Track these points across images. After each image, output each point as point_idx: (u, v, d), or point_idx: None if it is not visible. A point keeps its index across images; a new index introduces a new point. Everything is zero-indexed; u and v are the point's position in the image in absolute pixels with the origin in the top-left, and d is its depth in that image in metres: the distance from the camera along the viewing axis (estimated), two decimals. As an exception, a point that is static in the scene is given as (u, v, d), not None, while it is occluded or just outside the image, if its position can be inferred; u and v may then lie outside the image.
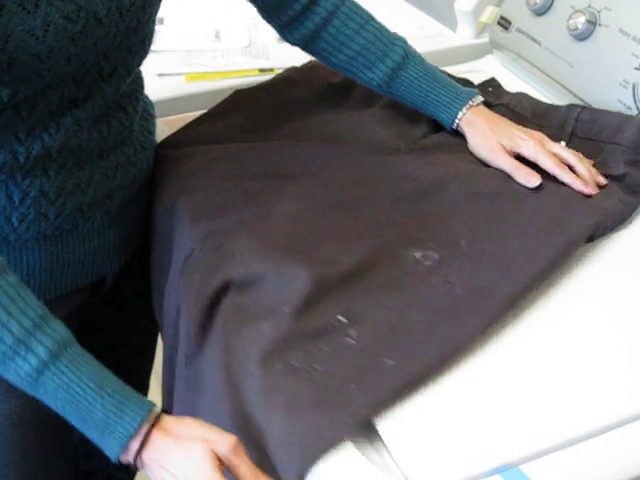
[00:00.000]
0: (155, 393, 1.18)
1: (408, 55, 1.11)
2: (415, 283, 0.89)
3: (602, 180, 1.04)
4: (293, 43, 1.14)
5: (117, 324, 1.25)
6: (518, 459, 0.74)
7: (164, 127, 1.17)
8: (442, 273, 0.90)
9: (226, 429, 0.79)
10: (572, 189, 1.02)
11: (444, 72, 1.17)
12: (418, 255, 0.93)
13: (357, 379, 0.78)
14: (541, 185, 1.03)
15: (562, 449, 0.75)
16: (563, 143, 1.10)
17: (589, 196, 1.01)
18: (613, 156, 1.08)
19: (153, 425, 0.78)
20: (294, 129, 1.16)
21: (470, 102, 1.11)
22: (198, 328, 0.91)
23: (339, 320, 0.84)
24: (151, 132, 1.09)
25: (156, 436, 0.78)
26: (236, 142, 1.13)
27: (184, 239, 1.00)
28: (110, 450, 0.78)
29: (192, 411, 0.94)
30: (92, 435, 0.79)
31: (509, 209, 1.00)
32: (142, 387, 1.38)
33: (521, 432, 0.76)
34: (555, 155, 1.05)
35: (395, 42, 1.11)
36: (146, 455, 0.78)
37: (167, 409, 0.83)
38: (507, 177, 1.05)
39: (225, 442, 0.77)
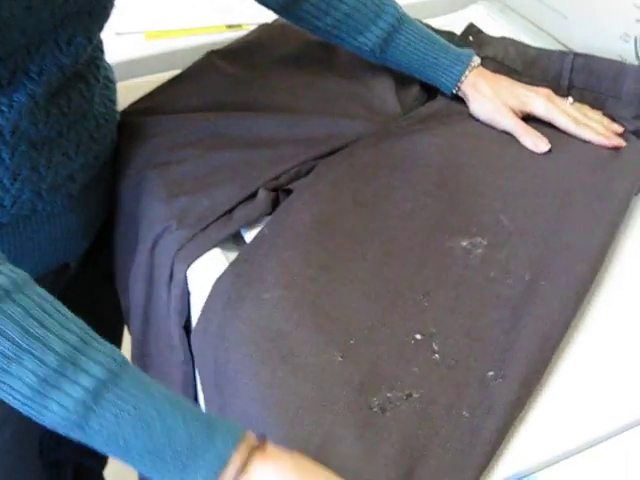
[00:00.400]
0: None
1: (402, 16, 1.02)
2: (476, 279, 0.81)
3: (618, 128, 1.00)
4: (270, 6, 1.03)
5: (82, 310, 1.14)
6: (534, 466, 0.69)
7: (125, 92, 1.05)
8: (498, 261, 0.83)
9: None
10: (593, 146, 0.97)
11: (427, 25, 1.09)
12: (465, 244, 0.85)
13: (462, 401, 0.71)
14: (556, 146, 0.96)
15: (579, 453, 0.71)
16: (570, 99, 1.04)
17: (615, 149, 0.96)
18: (617, 111, 1.03)
19: (254, 449, 0.62)
20: (277, 95, 1.05)
21: (471, 64, 1.02)
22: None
23: (415, 338, 0.76)
24: (113, 101, 0.98)
25: (258, 462, 0.62)
26: (213, 109, 1.02)
27: (156, 215, 0.90)
28: None
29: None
30: (170, 475, 0.61)
31: (536, 178, 0.93)
32: None
33: (536, 437, 0.70)
34: (567, 113, 0.99)
35: (386, 2, 1.02)
36: None
37: None
38: (517, 142, 0.99)
39: None
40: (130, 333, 1.00)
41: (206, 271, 0.84)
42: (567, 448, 0.70)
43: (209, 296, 0.80)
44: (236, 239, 0.89)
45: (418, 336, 0.75)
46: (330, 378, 0.71)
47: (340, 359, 0.73)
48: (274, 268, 0.81)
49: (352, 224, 0.87)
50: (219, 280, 0.81)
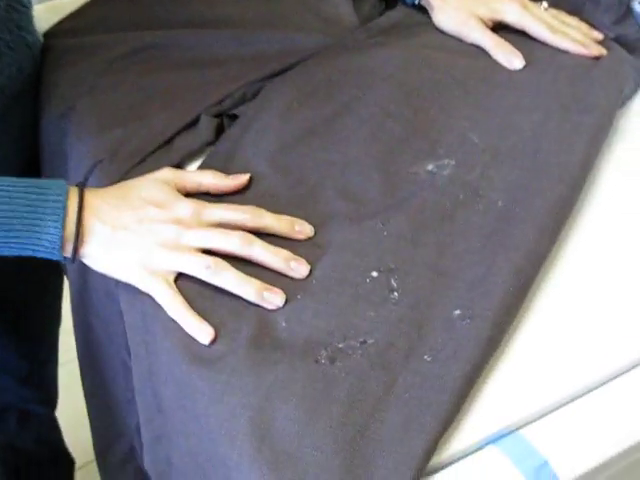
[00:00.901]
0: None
1: None
2: (442, 203, 0.72)
3: (597, 35, 0.90)
4: None
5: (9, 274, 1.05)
6: (517, 422, 0.60)
7: (48, 14, 0.94)
8: (468, 182, 0.73)
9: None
10: (571, 55, 0.87)
11: None
12: (431, 167, 0.75)
13: (424, 344, 0.62)
14: (530, 57, 0.87)
15: (570, 403, 0.62)
16: (545, 4, 0.93)
17: (596, 59, 0.87)
18: (595, 17, 0.93)
19: (81, 188, 0.68)
20: (221, 8, 0.94)
21: None
22: None
23: (372, 276, 0.66)
24: (22, 27, 0.86)
25: (90, 193, 0.68)
26: (149, 27, 0.91)
27: (86, 150, 0.81)
28: (49, 236, 0.65)
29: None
30: (23, 239, 0.65)
31: (509, 93, 0.83)
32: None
33: (517, 388, 0.61)
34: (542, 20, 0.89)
35: None
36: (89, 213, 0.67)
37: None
38: (486, 55, 0.89)
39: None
40: (68, 280, 0.90)
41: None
42: (555, 399, 0.61)
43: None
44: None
45: (374, 273, 0.66)
46: (271, 347, 0.62)
47: (284, 324, 0.63)
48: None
49: (303, 156, 0.77)
50: None
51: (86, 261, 0.68)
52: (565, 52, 0.87)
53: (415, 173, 0.74)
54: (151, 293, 0.66)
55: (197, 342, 0.63)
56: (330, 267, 0.67)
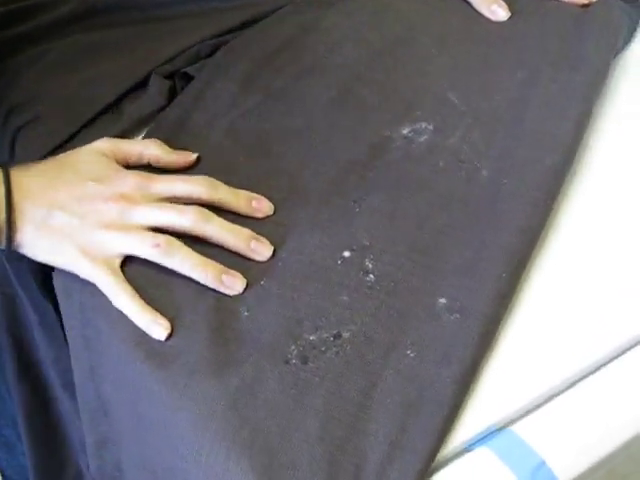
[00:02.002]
0: None
1: None
2: (420, 172, 0.64)
3: None
4: None
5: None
6: (507, 417, 0.53)
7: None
8: (448, 147, 0.66)
9: None
10: (557, 4, 0.80)
11: None
12: (406, 131, 0.68)
13: (406, 336, 0.54)
14: (513, 7, 0.79)
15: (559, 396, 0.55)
16: None
17: (584, 7, 0.79)
18: None
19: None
20: None
21: None
22: None
23: (343, 257, 0.59)
24: None
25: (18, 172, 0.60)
26: None
27: (17, 105, 0.73)
28: None
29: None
30: None
31: (491, 49, 0.76)
32: None
33: (505, 381, 0.54)
34: None
35: None
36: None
37: None
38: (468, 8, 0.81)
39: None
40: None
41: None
42: (543, 392, 0.54)
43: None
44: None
45: (347, 253, 0.59)
46: (233, 342, 0.55)
47: (246, 314, 0.56)
48: None
49: (263, 123, 0.69)
50: None
51: (22, 250, 0.60)
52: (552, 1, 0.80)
53: (389, 137, 0.67)
54: (94, 281, 0.58)
55: (149, 338, 0.55)
56: (297, 248, 0.59)
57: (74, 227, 0.58)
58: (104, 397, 0.60)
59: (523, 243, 0.58)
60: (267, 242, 0.59)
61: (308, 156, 0.66)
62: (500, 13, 0.79)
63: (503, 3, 0.79)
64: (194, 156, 0.64)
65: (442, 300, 0.55)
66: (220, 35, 0.76)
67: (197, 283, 0.57)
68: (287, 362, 0.53)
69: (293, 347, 0.54)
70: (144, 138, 0.67)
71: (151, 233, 0.58)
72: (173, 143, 0.66)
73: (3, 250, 0.59)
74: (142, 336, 0.55)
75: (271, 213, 0.61)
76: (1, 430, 0.87)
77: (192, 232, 0.59)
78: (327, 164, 0.65)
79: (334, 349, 0.53)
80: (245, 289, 0.57)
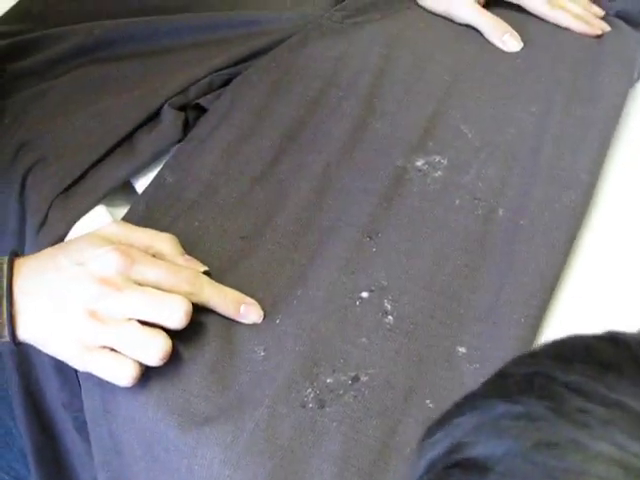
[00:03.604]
0: None
1: None
2: (436, 211, 0.64)
3: (598, 10, 0.82)
4: None
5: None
6: None
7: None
8: (464, 186, 0.65)
9: None
10: (571, 34, 0.80)
11: None
12: (420, 163, 0.67)
13: (425, 384, 0.54)
14: (526, 36, 0.79)
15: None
16: None
17: (599, 37, 0.79)
18: None
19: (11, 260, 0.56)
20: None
21: None
22: None
23: (362, 297, 0.58)
24: None
25: (19, 261, 0.56)
26: (95, 18, 0.80)
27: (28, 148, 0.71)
28: None
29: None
30: None
31: (504, 80, 0.75)
32: None
33: None
34: None
35: None
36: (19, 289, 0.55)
37: None
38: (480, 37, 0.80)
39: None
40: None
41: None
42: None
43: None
44: (126, 188, 0.69)
45: (365, 294, 0.58)
46: (248, 382, 0.54)
47: (262, 354, 0.55)
48: (177, 237, 0.62)
49: (278, 161, 0.68)
50: None
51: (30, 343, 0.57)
52: (565, 30, 0.80)
53: (403, 169, 0.66)
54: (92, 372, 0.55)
55: (161, 380, 0.54)
56: (313, 285, 0.59)
57: (62, 313, 0.54)
58: (117, 437, 0.60)
59: (542, 286, 0.58)
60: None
61: (322, 190, 0.65)
62: (512, 44, 0.78)
63: (515, 33, 0.78)
64: (202, 269, 0.59)
65: (461, 349, 0.55)
66: (231, 65, 0.76)
67: (208, 322, 0.57)
68: (303, 406, 0.52)
69: (310, 390, 0.53)
70: (161, 172, 0.67)
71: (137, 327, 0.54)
72: (189, 176, 0.66)
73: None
74: (153, 379, 0.55)
75: (259, 321, 0.57)
76: (11, 464, 0.86)
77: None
78: (341, 198, 0.65)
79: (352, 393, 0.53)
80: (261, 328, 0.57)
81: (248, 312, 0.57)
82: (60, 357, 0.56)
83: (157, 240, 0.59)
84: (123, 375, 0.53)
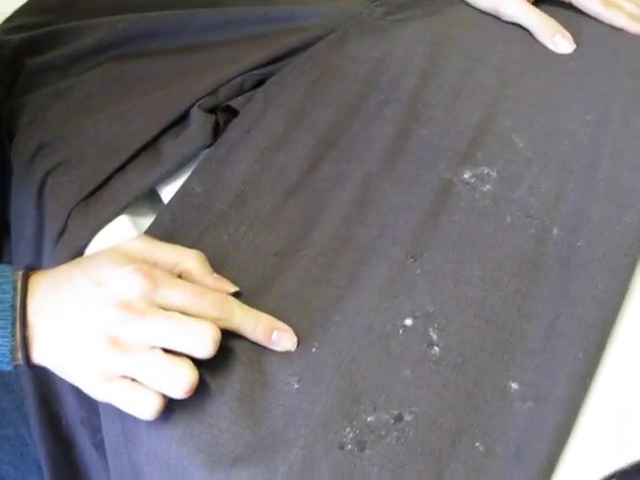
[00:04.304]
0: None
1: None
2: (485, 229, 0.59)
3: None
4: None
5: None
6: None
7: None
8: (515, 201, 0.60)
9: None
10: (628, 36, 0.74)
11: None
12: (468, 176, 0.62)
13: (474, 424, 0.49)
14: (580, 38, 0.74)
15: None
16: None
17: None
18: None
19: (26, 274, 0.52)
20: None
21: None
22: None
23: (405, 325, 0.54)
24: None
25: (36, 276, 0.53)
26: (120, 11, 0.75)
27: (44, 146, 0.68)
28: None
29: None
30: None
31: (557, 86, 0.70)
32: None
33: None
34: None
35: None
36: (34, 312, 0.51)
37: None
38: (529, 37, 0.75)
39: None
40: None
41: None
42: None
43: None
44: (151, 195, 0.65)
45: (409, 321, 0.54)
46: (281, 419, 0.50)
47: (297, 386, 0.51)
48: (205, 252, 0.58)
49: (315, 170, 0.63)
50: None
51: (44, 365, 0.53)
52: (620, 31, 0.75)
53: (449, 181, 0.62)
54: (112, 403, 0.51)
55: (185, 414, 0.50)
56: (353, 310, 0.54)
57: (79, 337, 0.50)
58: (137, 466, 0.56)
59: (601, 317, 0.53)
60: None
61: (362, 203, 0.61)
62: (563, 45, 0.73)
63: (567, 34, 0.73)
64: (232, 289, 0.55)
65: (514, 385, 0.50)
66: (265, 64, 0.71)
67: (237, 349, 0.53)
68: (342, 447, 0.48)
69: (349, 429, 0.49)
70: (188, 181, 0.63)
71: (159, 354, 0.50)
72: (219, 185, 0.62)
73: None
74: (177, 411, 0.50)
75: (293, 349, 0.53)
76: (25, 476, 0.83)
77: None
78: (382, 212, 0.60)
79: (395, 434, 0.48)
80: (295, 356, 0.52)
81: (281, 339, 0.52)
82: (77, 384, 0.52)
83: (184, 258, 0.54)
84: (145, 408, 0.49)
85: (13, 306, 0.50)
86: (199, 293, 0.51)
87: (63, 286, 0.52)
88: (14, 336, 0.50)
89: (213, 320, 0.50)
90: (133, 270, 0.51)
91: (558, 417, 0.48)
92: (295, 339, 0.53)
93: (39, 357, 0.52)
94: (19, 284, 0.51)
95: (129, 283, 0.50)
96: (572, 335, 0.52)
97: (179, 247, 0.55)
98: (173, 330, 0.49)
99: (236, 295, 0.54)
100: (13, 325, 0.50)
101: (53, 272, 0.53)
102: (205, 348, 0.49)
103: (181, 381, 0.48)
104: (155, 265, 0.53)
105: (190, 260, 0.54)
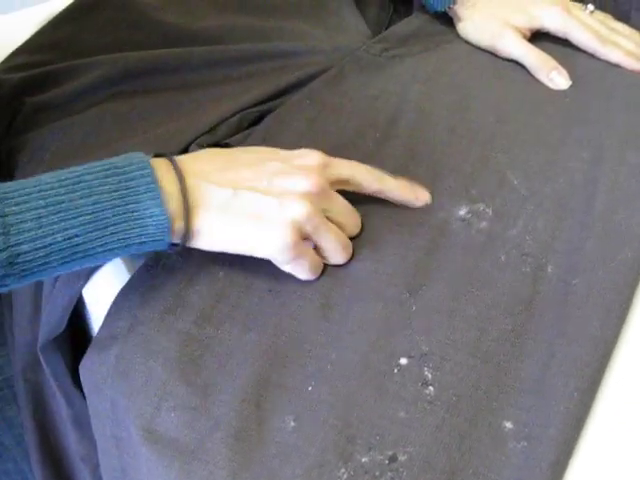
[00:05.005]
0: None
1: None
2: (481, 266, 0.59)
3: None
4: None
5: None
6: None
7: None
8: (511, 239, 0.61)
9: None
10: (623, 72, 0.75)
11: None
12: (463, 213, 0.63)
13: (468, 465, 0.49)
14: (575, 73, 0.74)
15: None
16: (591, 7, 0.80)
17: None
18: None
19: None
20: (203, 21, 0.79)
21: None
22: None
23: (400, 364, 0.54)
24: None
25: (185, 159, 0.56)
26: (117, 49, 0.76)
27: None
28: (153, 219, 0.52)
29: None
30: (122, 233, 0.51)
31: (553, 122, 0.70)
32: None
33: None
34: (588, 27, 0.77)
35: None
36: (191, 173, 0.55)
37: None
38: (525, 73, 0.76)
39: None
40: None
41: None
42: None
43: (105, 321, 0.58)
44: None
45: (404, 360, 0.54)
46: (276, 456, 0.50)
47: (293, 424, 0.51)
48: (201, 288, 0.59)
49: None
50: (120, 297, 0.59)
51: (200, 241, 0.55)
52: (616, 67, 0.75)
53: (444, 221, 0.62)
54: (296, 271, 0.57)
55: (187, 446, 0.50)
56: (350, 349, 0.54)
57: (272, 210, 0.55)
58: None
59: (596, 356, 0.53)
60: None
61: (357, 240, 0.61)
62: (559, 81, 0.73)
63: (563, 70, 0.74)
64: (426, 194, 0.63)
65: (508, 424, 0.50)
66: (263, 102, 0.72)
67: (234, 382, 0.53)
68: None
69: (343, 470, 0.49)
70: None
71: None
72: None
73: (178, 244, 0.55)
74: (173, 447, 0.51)
75: (429, 201, 0.63)
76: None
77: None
78: (378, 249, 0.60)
79: (389, 474, 0.48)
80: (292, 395, 0.52)
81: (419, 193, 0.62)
82: (265, 246, 0.55)
83: (357, 170, 0.60)
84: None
85: (156, 178, 0.52)
86: (359, 168, 0.61)
87: (228, 162, 0.57)
88: (167, 203, 0.52)
89: (374, 180, 0.61)
90: (311, 152, 0.58)
91: (552, 457, 0.48)
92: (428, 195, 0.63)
93: (205, 223, 0.54)
94: (159, 159, 0.54)
95: (314, 157, 0.58)
96: (567, 374, 0.52)
97: (348, 162, 0.61)
98: (345, 214, 0.59)
99: None
100: (161, 194, 0.52)
101: (198, 155, 0.58)
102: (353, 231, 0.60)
103: (350, 251, 0.59)
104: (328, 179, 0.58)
105: (363, 170, 0.61)
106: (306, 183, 0.55)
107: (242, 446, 0.50)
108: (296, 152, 0.58)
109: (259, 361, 0.54)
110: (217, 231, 0.54)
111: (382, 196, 0.61)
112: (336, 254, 0.58)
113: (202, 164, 0.56)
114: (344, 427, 0.51)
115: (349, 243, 0.59)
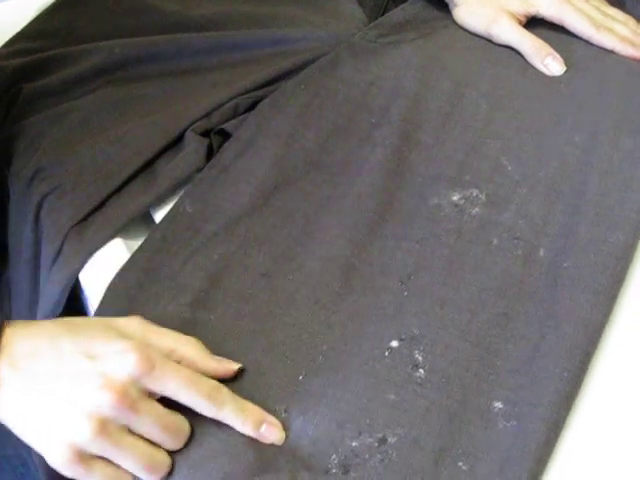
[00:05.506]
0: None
1: None
2: (473, 251, 0.59)
3: None
4: None
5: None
6: None
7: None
8: (502, 223, 0.61)
9: None
10: (617, 57, 0.75)
11: None
12: (456, 198, 0.63)
13: (457, 445, 0.49)
14: (570, 60, 0.75)
15: None
16: None
17: None
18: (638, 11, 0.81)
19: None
20: (202, 7, 0.80)
21: None
22: None
23: (391, 347, 0.54)
24: None
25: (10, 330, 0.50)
26: (117, 35, 0.77)
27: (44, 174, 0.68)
28: None
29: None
30: None
31: (547, 108, 0.71)
32: None
33: None
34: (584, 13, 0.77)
35: None
36: None
37: None
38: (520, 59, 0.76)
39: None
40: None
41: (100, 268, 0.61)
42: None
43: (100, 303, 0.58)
44: (145, 218, 0.65)
45: (394, 343, 0.54)
46: (269, 445, 0.50)
47: (284, 414, 0.52)
48: (195, 272, 0.59)
49: (304, 198, 0.64)
50: (116, 280, 0.59)
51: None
52: (611, 52, 0.75)
53: (437, 206, 0.62)
54: None
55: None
56: (340, 338, 0.55)
57: (55, 411, 0.48)
58: None
59: (586, 337, 0.53)
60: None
61: (351, 230, 0.61)
62: (555, 67, 0.74)
63: (558, 56, 0.74)
64: (236, 367, 0.53)
65: (498, 404, 0.51)
66: (258, 87, 0.72)
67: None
68: (327, 472, 0.49)
69: (334, 456, 0.49)
70: (180, 201, 0.63)
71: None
72: (210, 206, 0.63)
73: None
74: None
75: (279, 443, 0.50)
76: None
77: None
78: (370, 239, 0.61)
79: (378, 456, 0.49)
80: (282, 384, 0.53)
81: (270, 433, 0.50)
82: (42, 453, 0.49)
83: (181, 344, 0.52)
84: None
85: None
86: (193, 381, 0.50)
87: (47, 349, 0.49)
88: None
89: (203, 409, 0.50)
90: (130, 348, 0.49)
91: (542, 436, 0.49)
92: (283, 434, 0.51)
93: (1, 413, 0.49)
94: None
95: (124, 362, 0.48)
96: (557, 355, 0.52)
97: (174, 333, 0.53)
98: (159, 429, 0.49)
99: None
100: None
101: (35, 328, 0.51)
102: (176, 445, 0.50)
103: (161, 469, 0.49)
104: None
105: (186, 347, 0.52)
106: (100, 398, 0.47)
107: (236, 437, 0.51)
108: (116, 347, 0.49)
109: (251, 347, 0.55)
110: (8, 420, 0.49)
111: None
112: (140, 473, 0.49)
113: (22, 341, 0.50)
114: (334, 415, 0.51)
115: (163, 460, 0.49)
